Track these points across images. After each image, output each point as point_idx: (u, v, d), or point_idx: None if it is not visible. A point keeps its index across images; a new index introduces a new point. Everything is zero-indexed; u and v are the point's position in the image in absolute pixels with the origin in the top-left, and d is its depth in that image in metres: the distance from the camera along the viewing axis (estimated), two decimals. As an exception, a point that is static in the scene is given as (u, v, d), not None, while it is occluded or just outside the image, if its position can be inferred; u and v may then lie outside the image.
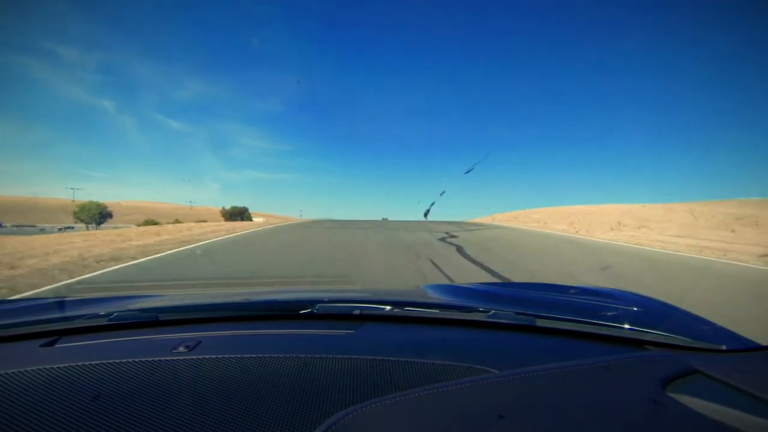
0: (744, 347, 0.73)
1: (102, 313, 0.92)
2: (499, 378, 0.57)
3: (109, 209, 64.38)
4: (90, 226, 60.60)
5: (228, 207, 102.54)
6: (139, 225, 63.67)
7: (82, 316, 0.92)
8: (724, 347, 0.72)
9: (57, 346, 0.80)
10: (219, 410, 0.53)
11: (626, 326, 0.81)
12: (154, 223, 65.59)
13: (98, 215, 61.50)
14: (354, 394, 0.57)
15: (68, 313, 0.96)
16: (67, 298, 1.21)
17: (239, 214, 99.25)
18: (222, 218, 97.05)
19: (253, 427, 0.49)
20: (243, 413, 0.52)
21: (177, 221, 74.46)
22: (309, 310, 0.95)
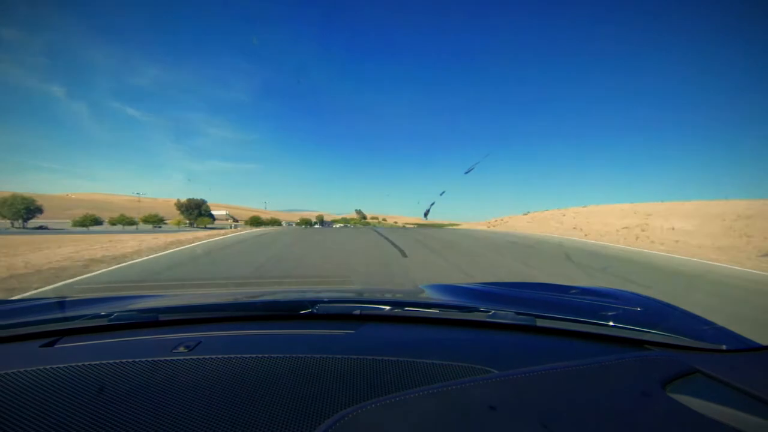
0: (744, 347, 0.73)
1: (102, 313, 0.92)
2: (499, 378, 0.57)
3: (38, 203, 56.42)
4: (15, 223, 52.97)
5: (184, 199, 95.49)
6: (75, 222, 57.01)
7: (82, 316, 0.92)
8: (724, 347, 0.72)
9: (57, 346, 0.79)
10: (219, 410, 0.53)
11: (626, 326, 0.81)
12: (94, 220, 59.12)
13: (24, 210, 53.78)
14: (354, 394, 0.57)
15: (68, 313, 0.95)
16: (67, 298, 1.21)
17: (196, 207, 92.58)
18: (177, 211, 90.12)
19: (253, 427, 0.50)
20: (243, 413, 0.52)
21: (122, 216, 67.75)
22: (309, 310, 0.95)
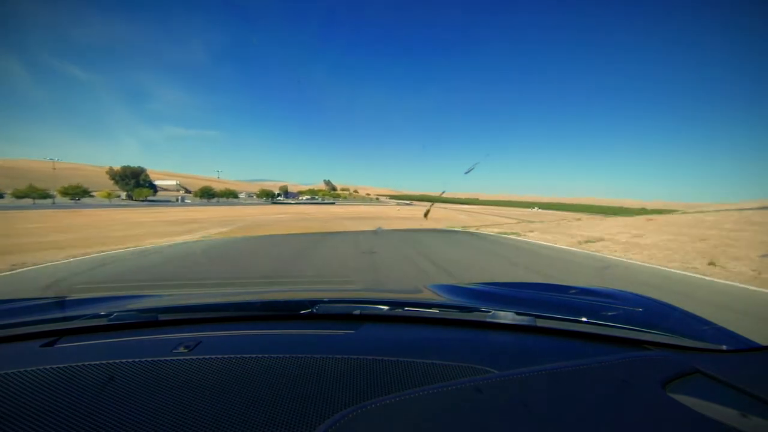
0: (744, 347, 0.73)
1: (102, 313, 0.92)
2: (499, 378, 0.57)
3: None
4: None
5: (117, 167, 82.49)
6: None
7: (82, 316, 0.92)
8: (724, 347, 0.72)
9: (57, 346, 0.80)
10: (219, 411, 0.53)
11: (626, 326, 0.81)
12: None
13: None
14: (354, 395, 0.58)
15: (68, 313, 0.96)
16: (67, 298, 1.21)
17: (133, 176, 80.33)
18: (111, 180, 77.72)
19: (252, 427, 0.50)
20: (243, 413, 0.53)
21: (31, 187, 55.86)
22: (309, 310, 0.95)
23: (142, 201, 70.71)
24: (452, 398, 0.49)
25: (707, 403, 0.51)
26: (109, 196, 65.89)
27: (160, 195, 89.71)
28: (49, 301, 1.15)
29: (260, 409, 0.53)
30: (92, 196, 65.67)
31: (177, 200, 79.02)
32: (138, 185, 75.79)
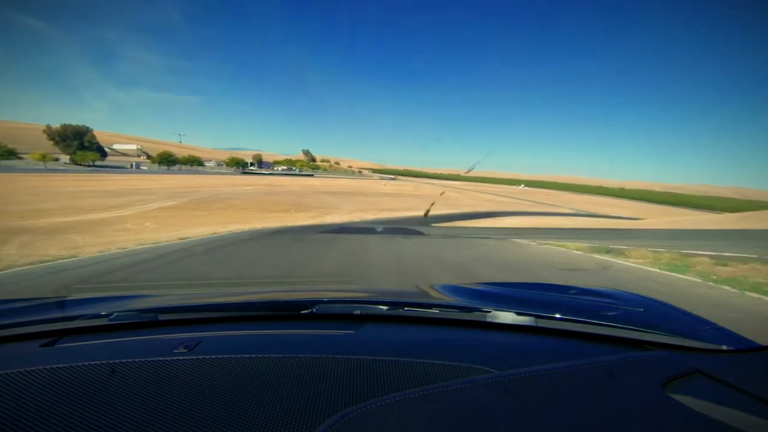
0: (744, 347, 0.73)
1: (102, 313, 0.93)
2: (499, 378, 0.58)
3: None
4: None
5: (57, 125, 71.42)
6: None
7: (83, 316, 0.92)
8: (724, 347, 0.72)
9: (57, 346, 0.80)
10: (219, 411, 0.54)
11: (626, 326, 0.81)
12: None
13: None
14: (354, 395, 0.58)
15: (68, 313, 0.96)
16: (67, 298, 1.22)
17: (77, 137, 69.74)
18: (48, 140, 67.22)
19: (253, 427, 0.50)
20: (243, 414, 0.53)
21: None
22: (309, 310, 0.96)
23: (88, 166, 61.62)
24: (452, 398, 0.49)
25: (707, 403, 0.51)
26: (44, 158, 56.40)
27: (117, 160, 79.59)
28: (50, 301, 1.15)
29: (260, 409, 0.53)
30: (21, 158, 56.02)
31: (131, 166, 69.97)
32: (82, 147, 65.83)
